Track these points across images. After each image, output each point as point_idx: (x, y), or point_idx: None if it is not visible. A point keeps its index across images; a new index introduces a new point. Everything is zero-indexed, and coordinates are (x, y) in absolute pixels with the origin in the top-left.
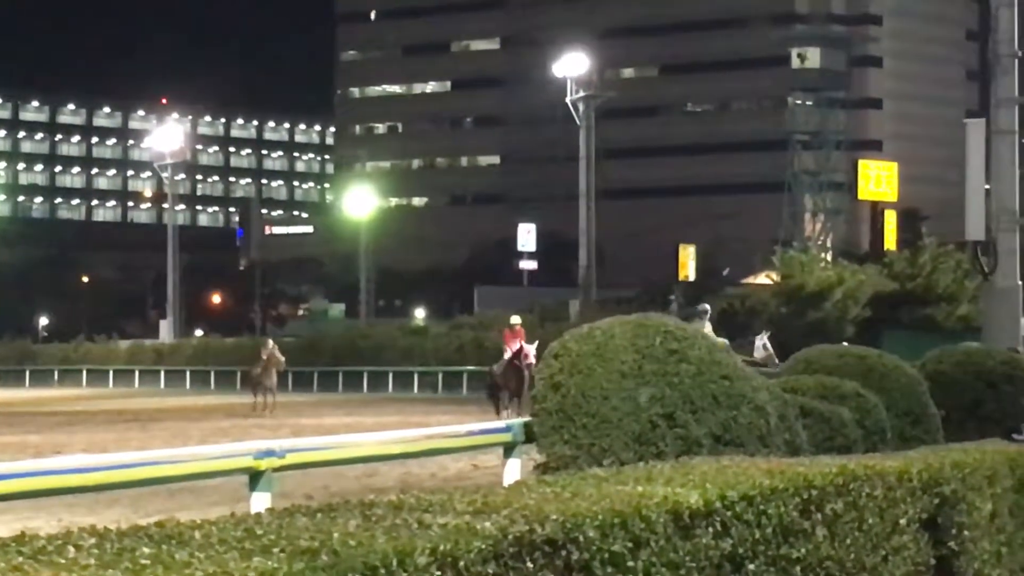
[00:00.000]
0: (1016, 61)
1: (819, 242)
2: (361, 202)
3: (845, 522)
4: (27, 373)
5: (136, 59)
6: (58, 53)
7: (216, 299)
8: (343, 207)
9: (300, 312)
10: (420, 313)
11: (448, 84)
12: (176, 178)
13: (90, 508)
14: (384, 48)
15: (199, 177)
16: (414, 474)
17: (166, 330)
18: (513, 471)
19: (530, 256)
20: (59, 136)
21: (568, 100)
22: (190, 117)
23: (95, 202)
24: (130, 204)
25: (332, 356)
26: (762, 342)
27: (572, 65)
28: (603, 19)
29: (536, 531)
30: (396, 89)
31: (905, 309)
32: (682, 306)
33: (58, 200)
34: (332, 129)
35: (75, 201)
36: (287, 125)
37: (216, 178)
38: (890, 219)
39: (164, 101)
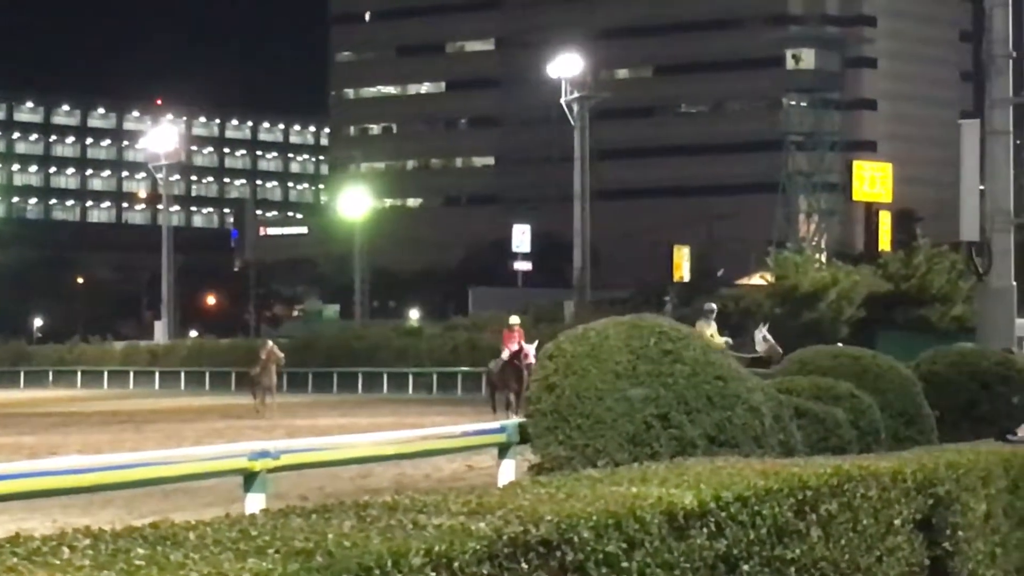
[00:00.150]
0: (1010, 62)
1: (813, 243)
2: (356, 203)
3: (840, 523)
4: (22, 374)
5: (131, 60)
6: (53, 54)
7: (211, 300)
8: (338, 208)
9: (295, 313)
10: (415, 314)
11: (443, 85)
12: (171, 179)
13: (85, 509)
14: (378, 49)
15: (194, 178)
16: (409, 475)
17: (161, 331)
18: (508, 472)
19: (525, 257)
20: (54, 137)
21: (563, 101)
22: (185, 118)
23: (90, 203)
24: (125, 205)
25: (327, 357)
26: (762, 335)
27: (567, 66)
28: (598, 20)
29: (531, 532)
30: (391, 90)
31: (899, 310)
32: (676, 307)
33: (53, 201)
34: (327, 130)
35: (70, 202)
36: (282, 126)
37: (211, 179)
38: (884, 220)
39: (159, 102)
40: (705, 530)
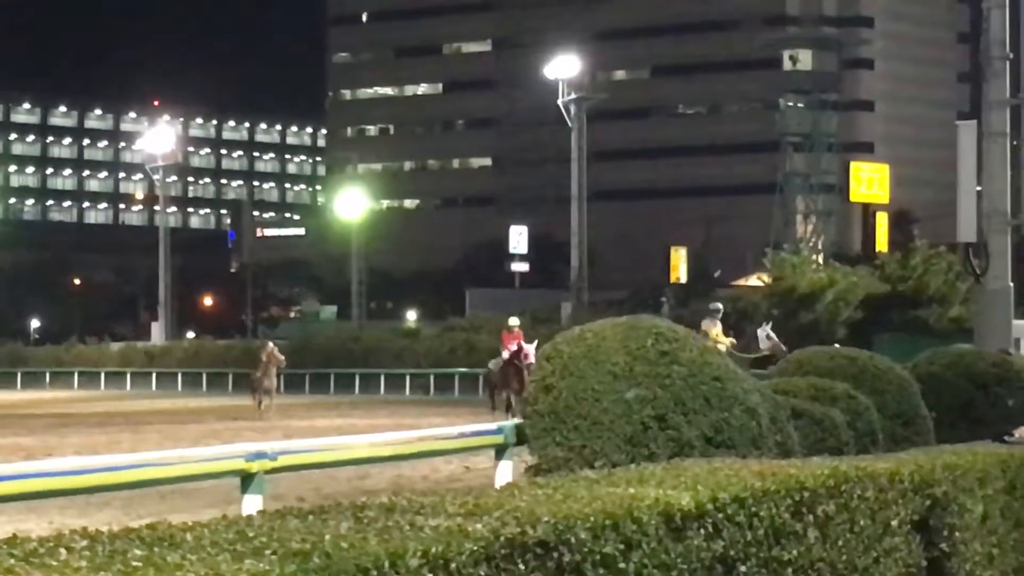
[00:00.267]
0: (1007, 63)
1: (811, 244)
2: (353, 204)
3: (837, 524)
4: (19, 375)
5: (128, 61)
6: (50, 55)
7: (208, 301)
8: (335, 209)
9: (292, 314)
10: (412, 315)
11: (440, 86)
12: (168, 180)
13: (82, 510)
14: (376, 50)
15: (191, 179)
16: (406, 476)
17: (157, 332)
18: (505, 473)
19: (522, 258)
20: (51, 138)
21: (560, 102)
22: (182, 119)
23: (87, 204)
24: (122, 206)
25: (324, 358)
26: (765, 332)
27: (564, 67)
28: (595, 21)
29: (528, 533)
30: (388, 91)
31: (897, 311)
32: (673, 308)
33: (50, 202)
34: (324, 131)
35: (67, 203)
36: (279, 127)
37: (208, 180)
38: (881, 221)
39: (156, 103)
40: (702, 531)
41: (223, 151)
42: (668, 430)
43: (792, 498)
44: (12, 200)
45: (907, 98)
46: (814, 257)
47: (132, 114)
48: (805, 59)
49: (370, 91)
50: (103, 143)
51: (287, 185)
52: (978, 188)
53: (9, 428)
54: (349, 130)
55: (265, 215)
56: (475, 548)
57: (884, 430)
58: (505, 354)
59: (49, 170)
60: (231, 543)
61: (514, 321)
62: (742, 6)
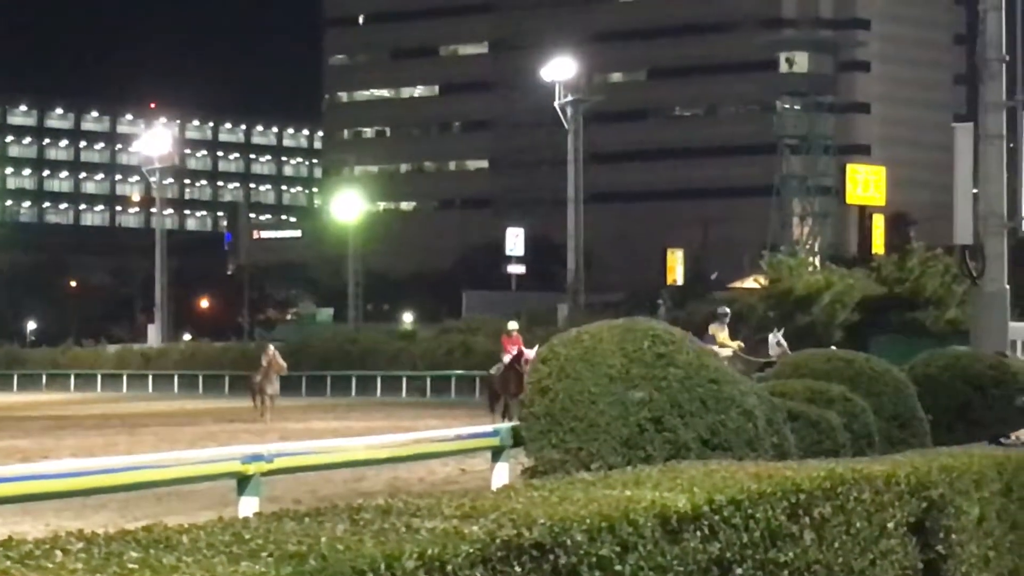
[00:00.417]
0: (1004, 65)
1: (807, 246)
2: (349, 206)
3: (833, 526)
4: (15, 377)
5: (124, 63)
6: (47, 57)
7: (204, 303)
8: (331, 211)
9: (288, 316)
10: (408, 317)
11: (436, 88)
12: (164, 182)
13: (78, 513)
14: (372, 52)
15: (187, 181)
16: (402, 478)
17: (154, 334)
18: (501, 475)
19: (518, 260)
20: (47, 140)
21: (556, 104)
22: (178, 121)
23: (83, 206)
24: (118, 208)
25: (320, 360)
26: (776, 339)
27: (560, 69)
28: (591, 23)
29: (524, 535)
30: (384, 93)
31: (893, 313)
32: (670, 310)
33: (46, 204)
34: (320, 133)
35: (63, 205)
36: (275, 129)
37: (204, 182)
38: (878, 223)
39: (152, 105)
40: (698, 533)
41: (219, 153)
42: (664, 432)
43: (788, 500)
44: (8, 202)
45: (903, 100)
46: (811, 259)
47: (129, 116)
48: (801, 61)
49: (367, 93)
50: (100, 145)
51: (283, 187)
52: (974, 190)
53: (5, 430)
54: (346, 132)
55: (261, 217)
56: (471, 550)
57: (880, 432)
58: (506, 358)
59: (46, 172)
60: (227, 545)
61: (513, 325)
62: (738, 8)
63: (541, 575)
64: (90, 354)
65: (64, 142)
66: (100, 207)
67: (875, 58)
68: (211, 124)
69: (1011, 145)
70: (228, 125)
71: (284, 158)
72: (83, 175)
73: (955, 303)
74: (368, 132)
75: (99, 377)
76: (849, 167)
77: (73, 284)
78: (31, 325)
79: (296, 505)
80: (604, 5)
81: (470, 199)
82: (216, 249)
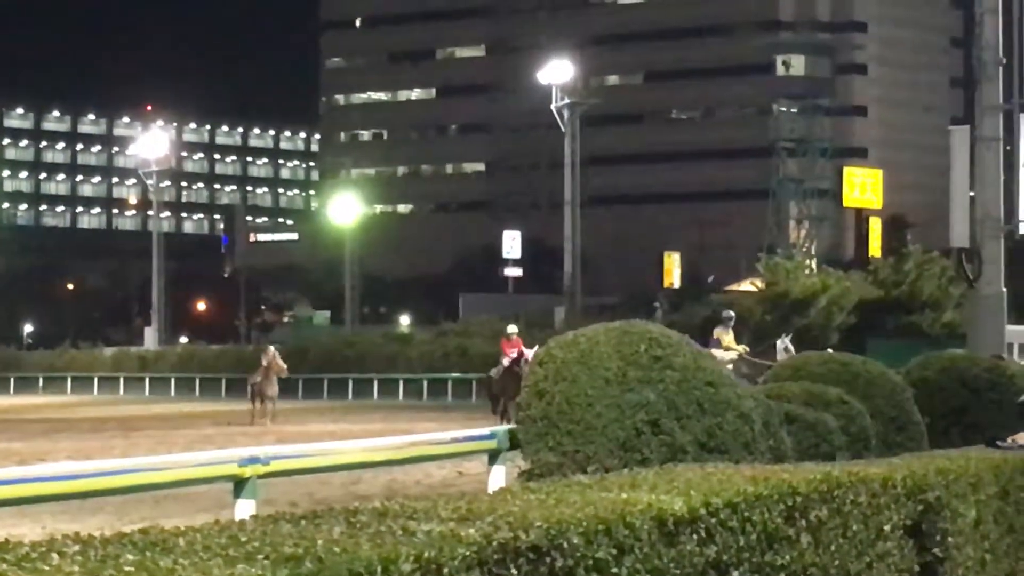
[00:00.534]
0: (1000, 68)
1: (804, 249)
2: (346, 209)
3: (829, 529)
4: (11, 380)
5: (121, 66)
6: (43, 60)
7: (201, 306)
8: (328, 214)
9: (285, 319)
10: (405, 320)
11: (433, 91)
12: (161, 185)
13: (74, 515)
14: (369, 55)
15: (184, 184)
16: (399, 481)
17: (151, 337)
18: (498, 478)
19: (515, 263)
20: (44, 143)
21: (553, 107)
22: (175, 124)
23: (80, 209)
24: (115, 211)
25: (317, 363)
26: (783, 344)
27: (557, 72)
28: (588, 26)
29: (520, 538)
30: (381, 96)
31: (890, 316)
32: (667, 313)
33: (43, 207)
34: (317, 136)
35: (60, 208)
36: (272, 132)
37: (201, 185)
38: (875, 226)
39: (149, 108)
40: (695, 536)
41: (216, 156)
42: (661, 435)
43: (785, 503)
44: (5, 205)
45: (900, 103)
46: (807, 262)
47: (125, 119)
48: (798, 64)
49: (363, 96)
50: (96, 148)
51: (280, 190)
52: (971, 194)
53: (2, 433)
54: (342, 135)
55: (258, 220)
56: (468, 553)
57: (877, 435)
58: (505, 361)
59: (43, 175)
60: (224, 548)
61: (512, 328)
62: (735, 11)
63: None
64: (87, 357)
65: (61, 145)
66: (97, 210)
67: (872, 61)
68: (208, 127)
69: (1008, 148)
70: (225, 128)
71: (281, 161)
72: (80, 178)
73: (952, 306)
74: (365, 135)
75: (96, 380)
76: (846, 170)
77: (70, 287)
78: (28, 328)
79: (292, 508)
80: (601, 8)
81: (467, 202)
82: (213, 252)
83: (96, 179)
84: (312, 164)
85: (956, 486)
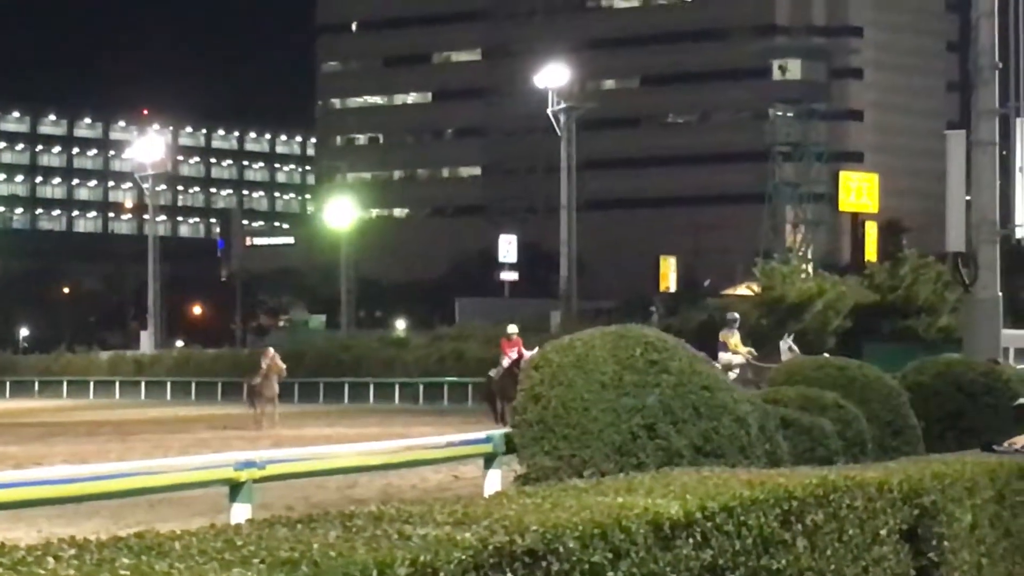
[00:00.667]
0: (996, 72)
1: (800, 253)
2: (342, 213)
3: (825, 533)
4: (7, 384)
5: (117, 70)
6: (39, 64)
7: (197, 310)
8: (324, 218)
9: (281, 323)
10: (401, 324)
11: (429, 95)
12: (157, 189)
13: (70, 519)
14: (365, 59)
15: (180, 188)
16: (395, 485)
17: (147, 341)
18: (493, 482)
19: (511, 267)
20: (40, 147)
21: (549, 111)
22: (171, 128)
23: (76, 213)
24: (111, 215)
25: (313, 367)
26: (787, 345)
27: (553, 76)
28: (584, 31)
29: (516, 542)
30: (377, 100)
31: (886, 320)
32: (662, 317)
33: (39, 211)
34: (313, 140)
35: (56, 212)
36: (268, 136)
37: (197, 189)
38: (871, 230)
39: (145, 112)
40: (691, 540)
41: (212, 160)
42: (657, 439)
43: (781, 507)
44: (1, 209)
45: (896, 107)
46: (803, 266)
47: (121, 123)
48: (794, 68)
49: (359, 100)
50: (92, 152)
51: (276, 194)
52: (967, 198)
53: None
54: (338, 139)
55: (254, 224)
56: (463, 557)
57: (873, 439)
58: (505, 362)
59: (38, 179)
60: (219, 552)
61: (512, 328)
62: (731, 16)
63: None
64: (83, 361)
65: (57, 148)
66: (93, 214)
67: (868, 65)
68: (204, 131)
69: (1004, 152)
70: (221, 132)
71: (277, 165)
72: (76, 182)
73: (947, 310)
74: (361, 139)
75: (92, 384)
76: (842, 174)
77: (66, 291)
78: (23, 332)
79: (288, 512)
80: (597, 12)
81: (463, 206)
82: (209, 256)
83: (92, 183)
84: (308, 168)
85: (952, 490)
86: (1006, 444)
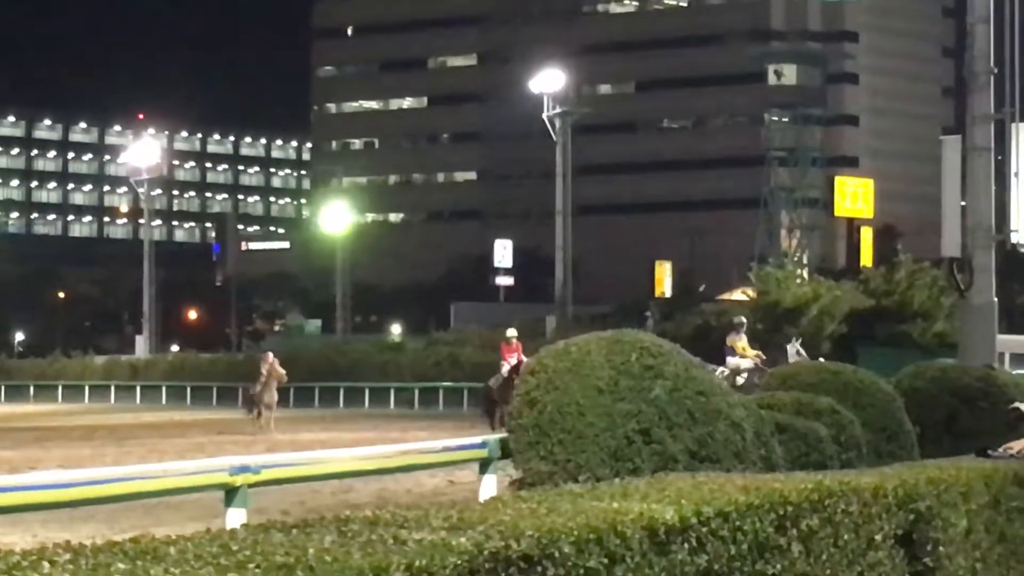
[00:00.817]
0: (992, 78)
1: (795, 258)
2: (337, 218)
3: (820, 538)
4: (2, 388)
5: (113, 75)
6: (34, 68)
7: (192, 315)
8: (319, 223)
9: (276, 328)
10: (396, 329)
11: (424, 100)
12: (152, 193)
13: (65, 524)
14: (361, 64)
15: (175, 193)
16: (390, 490)
17: (142, 346)
18: (489, 487)
19: (506, 272)
20: (35, 151)
21: (545, 116)
22: (167, 132)
23: (71, 217)
24: (106, 219)
25: (308, 372)
26: (795, 349)
27: (549, 81)
28: (580, 35)
29: (512, 547)
30: (372, 105)
31: (881, 325)
32: (658, 322)
33: (34, 215)
34: (308, 145)
35: (51, 216)
36: (263, 141)
37: (192, 193)
38: (866, 235)
39: (141, 116)
40: (686, 545)
41: (208, 164)
42: (652, 444)
43: (776, 512)
44: None
45: (892, 112)
46: (799, 271)
47: (117, 127)
48: (790, 73)
49: (355, 105)
50: (88, 156)
51: (272, 199)
52: (962, 203)
53: None
54: (334, 144)
55: (250, 228)
56: (459, 562)
57: (868, 444)
58: (505, 368)
59: (34, 183)
60: (215, 557)
61: (512, 332)
62: (727, 21)
63: None
64: (78, 365)
65: (52, 153)
66: (88, 218)
67: (863, 70)
68: (199, 135)
69: (999, 158)
70: (216, 136)
71: (272, 169)
72: (71, 186)
73: (943, 316)
74: (356, 144)
75: (87, 388)
76: (837, 179)
77: (61, 295)
78: (19, 336)
79: (284, 516)
80: (593, 17)
81: (458, 211)
82: (204, 260)
83: (87, 187)
84: (304, 173)
85: (947, 495)
86: (1001, 449)
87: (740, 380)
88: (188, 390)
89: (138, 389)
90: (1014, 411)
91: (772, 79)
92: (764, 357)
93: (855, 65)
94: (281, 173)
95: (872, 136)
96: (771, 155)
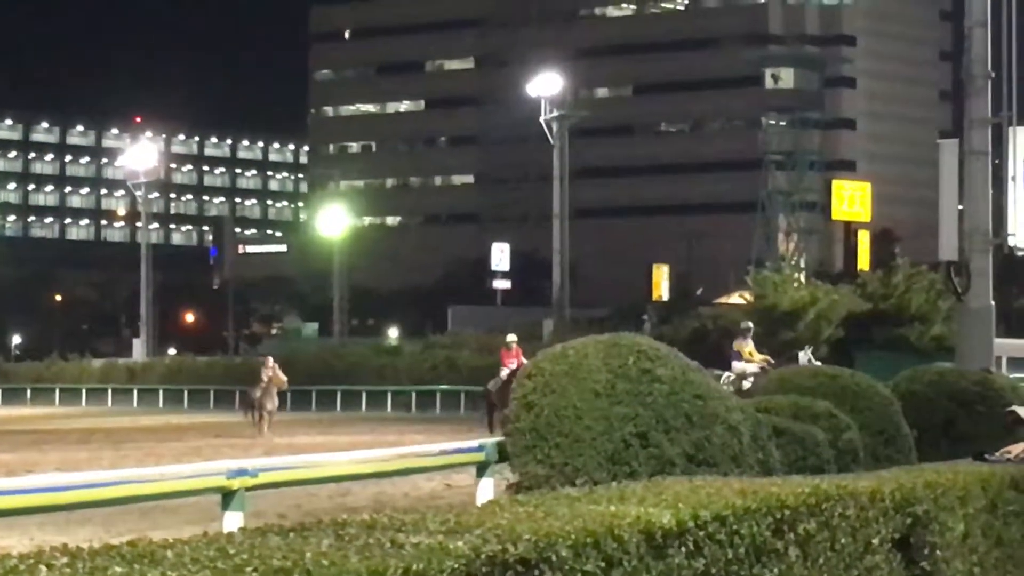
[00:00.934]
0: (989, 81)
1: (792, 262)
2: (335, 221)
3: (818, 542)
4: None
5: (110, 78)
6: (31, 71)
7: (189, 318)
8: (317, 226)
9: (273, 331)
10: (393, 332)
11: (422, 103)
12: (150, 197)
13: (62, 527)
14: (358, 67)
15: (173, 196)
16: (387, 493)
17: (139, 349)
18: (486, 491)
19: (504, 275)
20: (32, 154)
21: (542, 120)
22: (164, 136)
23: (68, 220)
24: (104, 223)
25: (305, 375)
26: (807, 357)
27: (546, 85)
28: (577, 39)
29: (509, 551)
30: (370, 108)
31: (878, 329)
32: (655, 325)
33: (32, 218)
34: (306, 148)
35: (48, 219)
36: (261, 144)
37: (190, 197)
38: (863, 239)
39: (138, 120)
40: (683, 549)
41: (205, 168)
42: (649, 448)
43: (773, 516)
44: None
45: (889, 116)
46: (796, 275)
47: (114, 130)
48: (787, 77)
49: (352, 108)
50: (85, 159)
51: (269, 202)
52: (960, 207)
53: None
54: (331, 147)
55: (247, 232)
56: (456, 566)
57: (865, 448)
58: (504, 372)
59: (31, 186)
60: (212, 560)
61: (511, 338)
62: (724, 24)
63: None
64: (75, 368)
65: (49, 156)
66: (85, 221)
67: (861, 74)
68: (197, 138)
69: (996, 161)
70: (214, 139)
71: (270, 173)
72: (68, 189)
73: (940, 319)
74: (354, 147)
75: (84, 391)
76: (834, 183)
77: (58, 298)
78: (16, 339)
79: (281, 520)
80: (590, 21)
81: (456, 214)
82: (201, 263)
83: (85, 190)
84: (301, 176)
85: (944, 499)
86: (999, 453)
87: (746, 384)
88: (185, 393)
89: (135, 392)
90: (1011, 415)
91: (769, 83)
92: (772, 361)
93: (852, 69)
94: (278, 176)
95: (869, 140)
96: (768, 159)
